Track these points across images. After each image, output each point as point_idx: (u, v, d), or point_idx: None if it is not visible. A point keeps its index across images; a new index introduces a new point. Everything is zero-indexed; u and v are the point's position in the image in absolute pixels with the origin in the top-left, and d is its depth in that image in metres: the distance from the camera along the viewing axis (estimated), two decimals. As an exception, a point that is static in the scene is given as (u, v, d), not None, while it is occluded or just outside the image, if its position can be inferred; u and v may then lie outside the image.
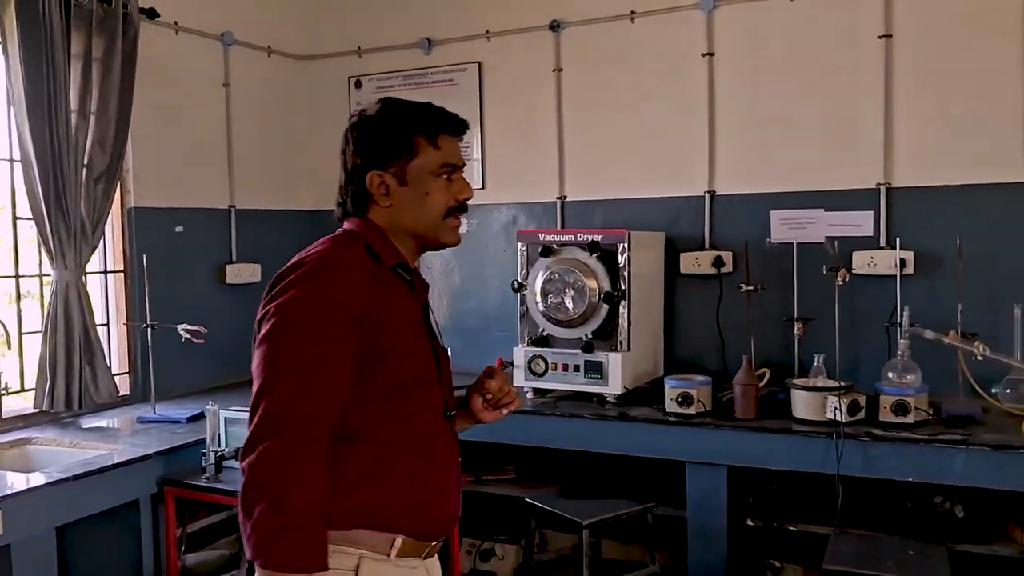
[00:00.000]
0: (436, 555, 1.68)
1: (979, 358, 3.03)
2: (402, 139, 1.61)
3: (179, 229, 3.94)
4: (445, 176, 1.64)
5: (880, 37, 3.49)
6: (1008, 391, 3.18)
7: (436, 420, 1.63)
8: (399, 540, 1.55)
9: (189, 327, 3.35)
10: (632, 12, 3.90)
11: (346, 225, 1.66)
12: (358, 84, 4.55)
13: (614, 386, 3.35)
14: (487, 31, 4.21)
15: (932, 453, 2.81)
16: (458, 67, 4.31)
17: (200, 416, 3.28)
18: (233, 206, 4.21)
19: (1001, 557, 2.93)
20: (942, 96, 3.42)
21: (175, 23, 3.90)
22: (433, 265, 4.20)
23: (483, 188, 4.28)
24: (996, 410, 3.10)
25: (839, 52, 3.57)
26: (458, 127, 1.68)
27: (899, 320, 3.18)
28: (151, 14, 3.69)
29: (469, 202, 1.70)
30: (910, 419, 2.93)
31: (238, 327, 3.55)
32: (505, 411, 1.75)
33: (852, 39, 3.55)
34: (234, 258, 4.19)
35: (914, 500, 3.28)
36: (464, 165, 1.71)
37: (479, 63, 4.25)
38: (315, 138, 4.52)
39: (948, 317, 3.22)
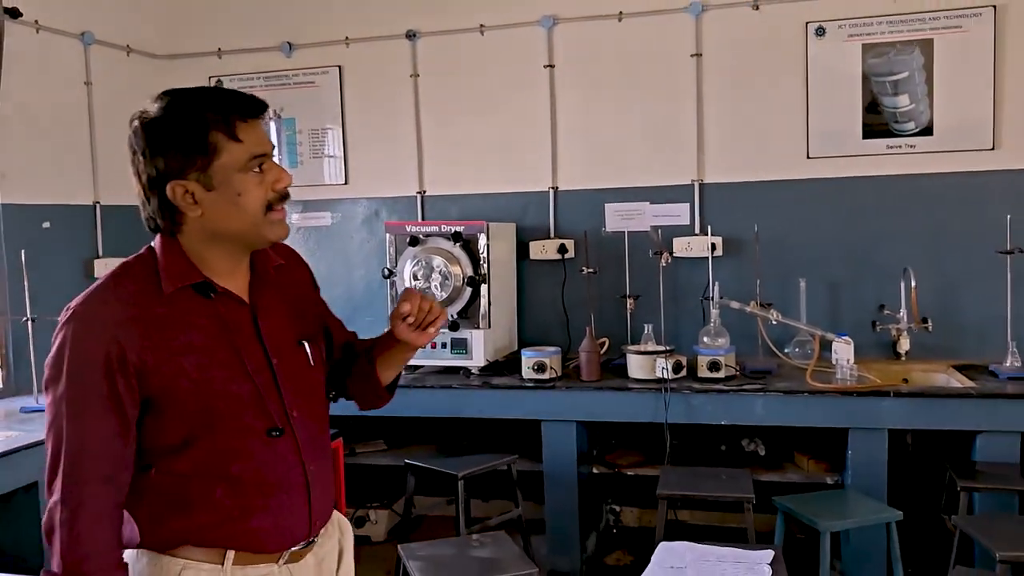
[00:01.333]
0: (310, 555, 1.64)
1: (774, 323, 3.74)
2: (196, 140, 1.44)
3: (46, 225, 3.99)
4: (255, 169, 1.48)
5: (692, 55, 4.12)
6: (796, 350, 3.90)
7: (251, 441, 1.53)
8: (231, 553, 1.52)
9: (72, 319, 3.47)
10: (481, 26, 4.34)
11: (152, 243, 1.55)
12: (219, 84, 4.72)
13: (478, 359, 3.80)
14: (347, 37, 4.52)
15: (738, 400, 3.46)
16: (319, 70, 4.59)
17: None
18: (98, 202, 4.29)
19: (790, 482, 3.62)
20: (743, 106, 4.10)
21: (36, 22, 3.94)
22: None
23: (346, 183, 4.60)
24: (787, 365, 3.80)
25: (660, 67, 4.18)
26: (255, 108, 1.50)
27: (711, 294, 3.82)
28: (14, 14, 3.74)
29: (291, 189, 1.58)
30: (721, 374, 3.57)
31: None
32: (432, 329, 1.65)
33: (670, 56, 4.16)
34: (101, 253, 4.28)
35: (727, 443, 3.96)
36: (273, 148, 1.54)
37: (339, 67, 4.56)
38: (177, 135, 4.65)
39: (750, 290, 3.91)
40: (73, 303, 1.50)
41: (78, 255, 4.19)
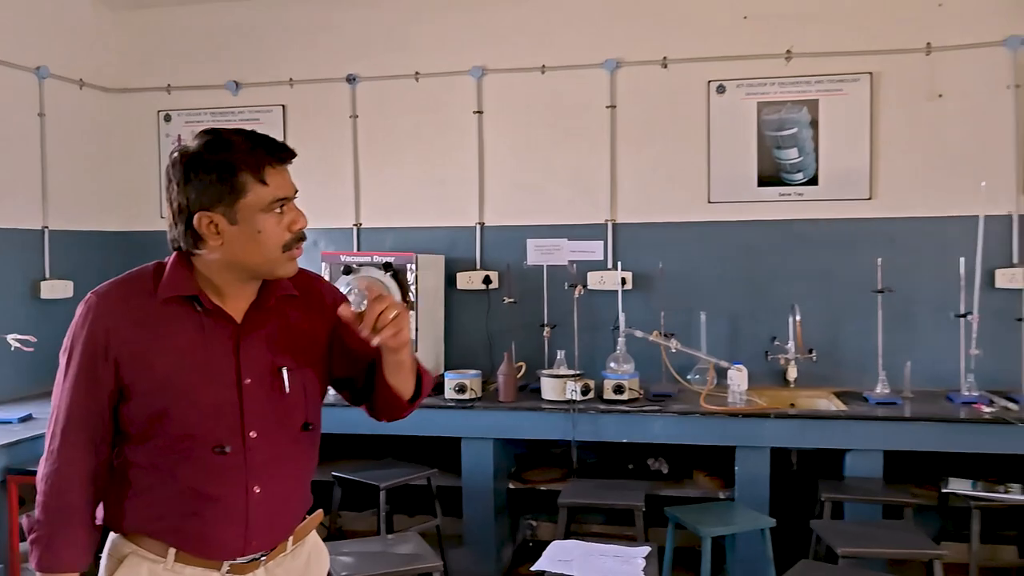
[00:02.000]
0: (260, 570, 1.71)
1: (673, 351, 4.12)
2: (226, 178, 1.57)
3: (-7, 247, 4.21)
4: (277, 210, 1.61)
5: (607, 107, 4.54)
6: (697, 376, 4.28)
7: (198, 452, 1.62)
8: (172, 551, 1.63)
9: (19, 336, 3.69)
10: (417, 73, 4.71)
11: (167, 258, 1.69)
12: (167, 118, 4.99)
13: (404, 380, 4.09)
14: (291, 79, 4.84)
15: (639, 420, 3.82)
16: (264, 108, 4.90)
17: (29, 417, 3.66)
18: (46, 227, 4.51)
19: (689, 496, 3.98)
20: (652, 154, 4.52)
21: (-7, 57, 4.19)
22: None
23: (287, 215, 4.89)
24: (688, 390, 4.18)
25: (578, 116, 4.58)
26: (284, 155, 1.64)
27: (619, 324, 4.19)
28: (-27, 49, 3.99)
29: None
30: (625, 396, 3.93)
31: (52, 338, 3.90)
32: (390, 331, 1.60)
33: (587, 107, 4.57)
34: (47, 275, 4.49)
35: (635, 462, 4.30)
36: (296, 193, 1.66)
37: (283, 106, 4.87)
38: (126, 165, 4.90)
39: (656, 321, 4.29)
40: (92, 291, 1.67)
41: (25, 276, 4.40)
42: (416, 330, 4.15)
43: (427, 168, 4.73)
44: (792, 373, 4.27)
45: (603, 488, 3.65)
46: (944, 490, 3.54)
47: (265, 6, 4.85)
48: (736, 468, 3.78)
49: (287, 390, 1.69)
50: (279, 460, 1.69)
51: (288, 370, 1.69)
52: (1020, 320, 3.97)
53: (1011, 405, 3.73)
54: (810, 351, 4.18)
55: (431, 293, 4.42)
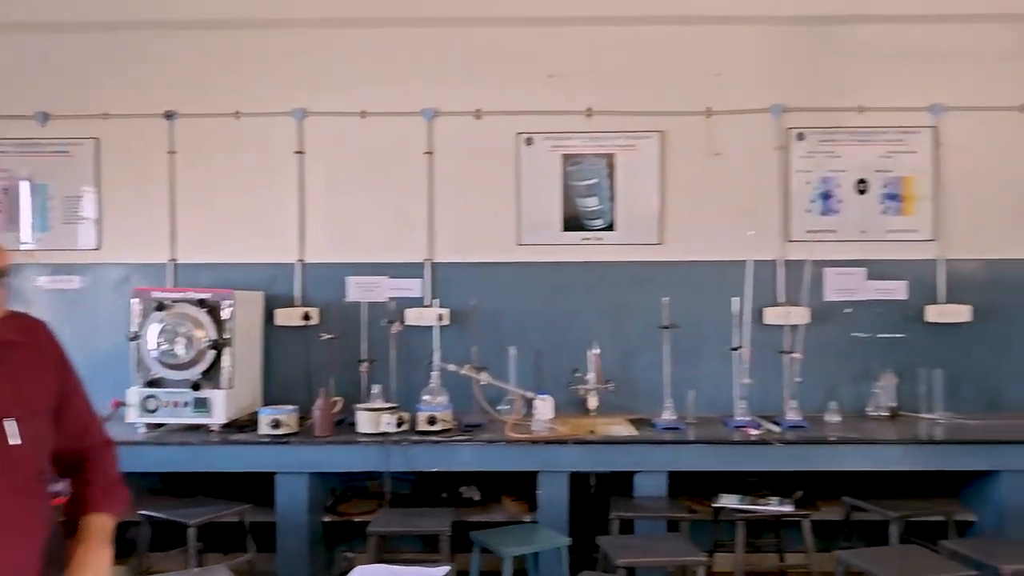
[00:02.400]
0: None
1: (483, 383, 4.38)
2: None
3: None
4: None
5: (425, 152, 4.79)
6: (507, 407, 4.56)
7: None
8: None
9: None
10: (237, 112, 4.78)
11: None
12: (-33, 145, 4.78)
13: (219, 417, 4.12)
14: (105, 112, 4.77)
15: (448, 449, 4.03)
16: (75, 141, 4.79)
17: None
18: None
19: (498, 521, 4.22)
20: (467, 198, 4.80)
21: None
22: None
23: (99, 249, 4.79)
24: (497, 420, 4.44)
25: (397, 160, 4.80)
26: None
27: (434, 359, 4.41)
28: None
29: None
30: (438, 427, 4.14)
31: None
32: None
33: (406, 151, 4.80)
34: None
35: (448, 491, 4.51)
36: None
37: (97, 139, 4.79)
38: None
39: (469, 355, 4.53)
40: None
41: None
42: (231, 366, 4.18)
43: (248, 206, 4.79)
44: (593, 402, 4.62)
45: (412, 516, 3.83)
46: (715, 505, 3.98)
47: (79, 37, 4.77)
48: (539, 492, 4.06)
49: (10, 442, 1.64)
50: (6, 523, 1.60)
51: (18, 420, 1.65)
52: (782, 352, 4.52)
53: (774, 428, 4.24)
54: (608, 382, 4.57)
55: (248, 329, 4.46)
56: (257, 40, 4.78)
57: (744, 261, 4.53)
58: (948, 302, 4.70)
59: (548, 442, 4.05)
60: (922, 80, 4.75)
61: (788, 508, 3.85)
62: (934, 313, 4.69)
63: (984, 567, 3.10)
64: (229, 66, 4.79)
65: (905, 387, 4.65)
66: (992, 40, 4.73)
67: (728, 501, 3.94)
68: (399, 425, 4.11)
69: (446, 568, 2.93)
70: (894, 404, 4.60)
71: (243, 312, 4.34)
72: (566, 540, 3.70)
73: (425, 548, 4.64)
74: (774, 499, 3.94)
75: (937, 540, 3.50)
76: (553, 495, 4.04)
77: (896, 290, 4.75)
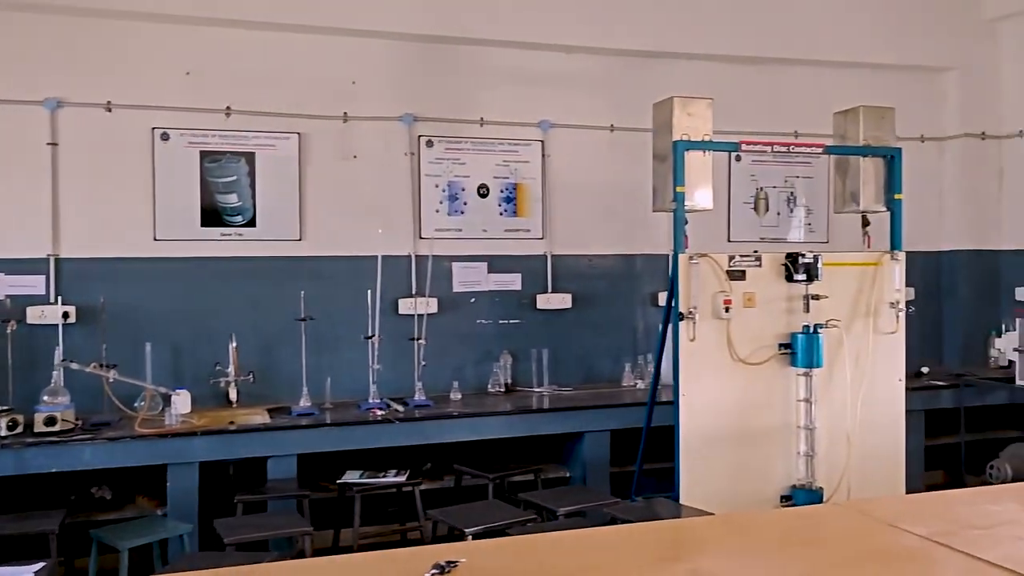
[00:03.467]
0: None
1: (112, 381, 4.34)
2: None
3: None
4: None
5: (48, 144, 4.60)
6: (143, 403, 4.53)
7: None
8: None
9: None
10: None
11: None
12: None
13: None
14: None
15: (68, 449, 3.97)
16: None
17: None
18: None
19: (127, 518, 4.20)
20: (99, 192, 4.68)
21: None
22: None
23: None
24: (130, 417, 4.40)
25: (16, 152, 4.56)
26: None
27: (57, 357, 4.28)
28: None
29: None
30: (58, 428, 4.04)
31: None
32: None
33: (25, 143, 4.57)
34: None
35: (78, 492, 4.40)
36: None
37: None
38: None
39: (100, 353, 4.44)
40: None
41: None
42: None
43: None
44: (233, 394, 4.75)
45: (18, 520, 3.73)
46: (339, 481, 4.32)
47: None
48: (168, 484, 4.13)
49: None
50: None
51: None
52: (412, 340, 4.97)
53: (401, 408, 4.68)
54: (249, 373, 4.72)
55: None
56: None
57: (376, 256, 4.91)
58: (554, 291, 5.45)
59: (176, 435, 4.14)
60: (533, 99, 5.45)
61: (402, 479, 4.28)
62: (543, 301, 5.42)
63: (547, 511, 3.73)
64: None
65: (521, 366, 5.34)
66: (589, 68, 5.55)
67: (350, 477, 4.29)
68: (12, 428, 3.96)
69: (38, 564, 2.95)
70: (509, 381, 5.27)
71: None
72: (187, 527, 3.83)
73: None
74: (392, 472, 4.36)
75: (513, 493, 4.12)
76: (185, 487, 4.13)
77: (512, 282, 5.42)
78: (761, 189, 5.92)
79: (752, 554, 1.97)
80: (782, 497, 4.17)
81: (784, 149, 4.40)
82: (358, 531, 4.15)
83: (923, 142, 6.28)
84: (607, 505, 3.72)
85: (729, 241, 5.86)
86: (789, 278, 4.13)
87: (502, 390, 5.20)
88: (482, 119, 5.35)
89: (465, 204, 5.33)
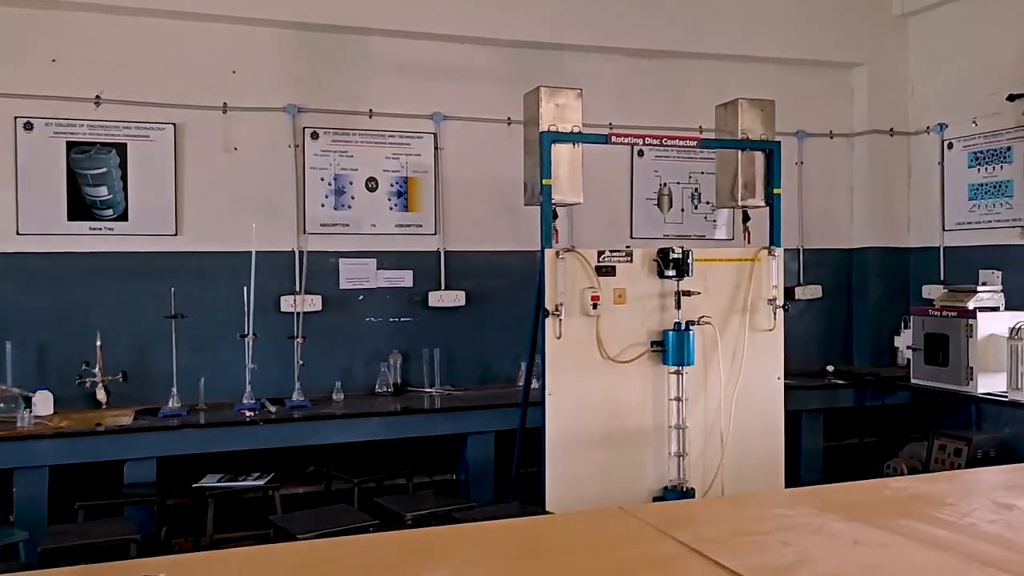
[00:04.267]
0: None
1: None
2: None
3: None
4: None
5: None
6: (2, 405, 4.35)
7: None
8: None
9: None
10: None
11: None
12: None
13: None
14: None
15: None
16: None
17: None
18: None
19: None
20: (-46, 184, 4.49)
21: None
22: None
23: None
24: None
25: None
26: None
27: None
28: None
29: None
30: None
31: None
32: None
33: None
34: None
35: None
36: None
37: None
38: None
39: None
40: None
41: None
42: None
43: None
44: (102, 395, 4.57)
45: None
46: (195, 485, 4.15)
47: None
48: (15, 490, 3.94)
49: None
50: None
51: None
52: (291, 338, 4.80)
53: (273, 409, 4.51)
54: (120, 374, 4.54)
55: None
56: None
57: (258, 252, 4.74)
58: (447, 289, 5.31)
59: (23, 438, 3.95)
60: (425, 90, 5.30)
61: (261, 483, 4.12)
62: (435, 299, 5.28)
63: (396, 514, 3.58)
64: None
65: (413, 366, 5.20)
66: (485, 60, 5.41)
67: (208, 481, 4.12)
68: None
69: None
70: (399, 381, 5.12)
71: None
72: (24, 534, 3.64)
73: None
74: (253, 475, 4.19)
75: (375, 498, 3.97)
76: (32, 492, 3.94)
77: (403, 279, 5.27)
78: (665, 185, 5.83)
79: (472, 565, 1.82)
80: (654, 499, 4.05)
81: (656, 142, 4.28)
82: (211, 536, 3.98)
83: (832, 138, 6.23)
84: (459, 509, 3.58)
85: (632, 238, 5.76)
86: (661, 274, 4.02)
87: (390, 391, 5.05)
88: (371, 111, 5.20)
89: (353, 198, 5.18)
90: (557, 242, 4.01)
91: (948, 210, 5.89)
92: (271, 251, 4.88)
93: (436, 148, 5.33)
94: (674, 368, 4.00)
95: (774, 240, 4.31)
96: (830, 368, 5.81)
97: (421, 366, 5.20)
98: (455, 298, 5.31)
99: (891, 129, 6.17)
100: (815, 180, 6.20)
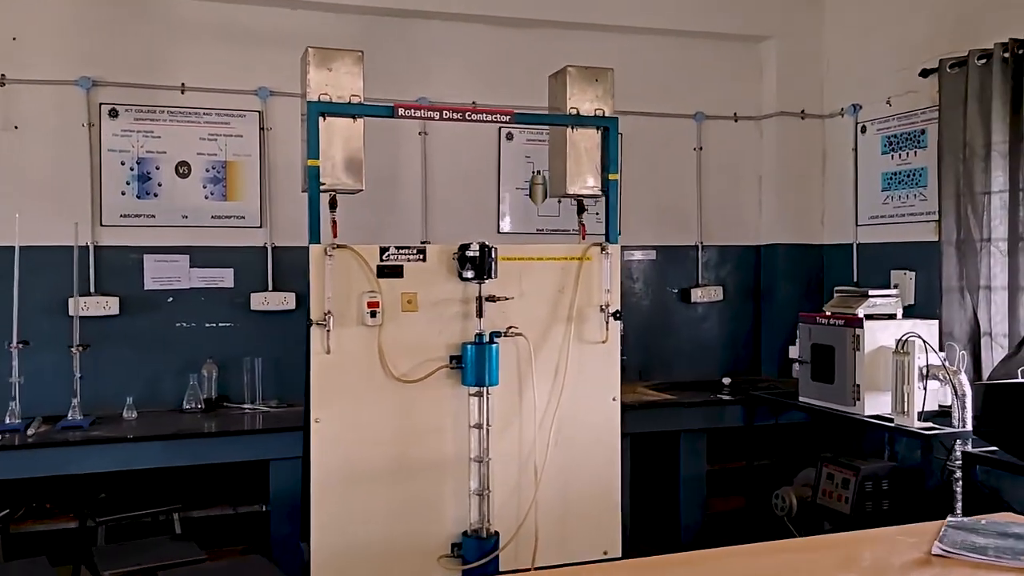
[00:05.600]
0: None
1: None
2: None
3: None
4: None
5: None
6: None
7: None
8: None
9: None
10: None
11: None
12: None
13: None
14: None
15: None
16: None
17: None
18: None
19: None
20: None
21: None
22: None
23: None
24: None
25: None
26: None
27: None
28: None
29: None
30: None
31: None
32: None
33: None
34: None
35: None
36: None
37: None
38: None
39: None
40: None
41: None
42: None
43: None
44: None
45: None
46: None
47: None
48: None
49: None
50: None
51: None
52: (71, 348, 4.14)
53: (33, 430, 3.87)
54: None
55: None
56: None
57: (40, 247, 4.10)
58: (275, 290, 4.64)
59: None
60: (248, 62, 4.63)
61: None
62: (259, 301, 4.61)
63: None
64: None
65: (234, 378, 4.54)
66: (320, 28, 4.72)
67: None
68: None
69: None
70: (214, 396, 4.46)
71: None
72: None
73: None
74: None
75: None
76: None
77: (223, 278, 4.61)
78: (538, 173, 5.11)
79: None
80: (453, 546, 3.38)
81: (458, 116, 3.59)
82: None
83: (736, 121, 5.54)
84: (182, 564, 2.91)
85: (499, 233, 5.09)
86: (461, 276, 3.34)
87: (200, 407, 4.38)
88: (183, 85, 4.52)
89: (160, 185, 4.51)
90: (336, 237, 3.33)
91: (861, 203, 5.18)
92: (58, 245, 4.22)
93: (262, 128, 4.66)
94: (475, 389, 3.32)
95: (610, 236, 3.63)
96: (726, 381, 5.14)
97: (242, 378, 4.54)
98: (283, 301, 4.63)
99: (803, 111, 5.47)
100: (717, 168, 5.51)
